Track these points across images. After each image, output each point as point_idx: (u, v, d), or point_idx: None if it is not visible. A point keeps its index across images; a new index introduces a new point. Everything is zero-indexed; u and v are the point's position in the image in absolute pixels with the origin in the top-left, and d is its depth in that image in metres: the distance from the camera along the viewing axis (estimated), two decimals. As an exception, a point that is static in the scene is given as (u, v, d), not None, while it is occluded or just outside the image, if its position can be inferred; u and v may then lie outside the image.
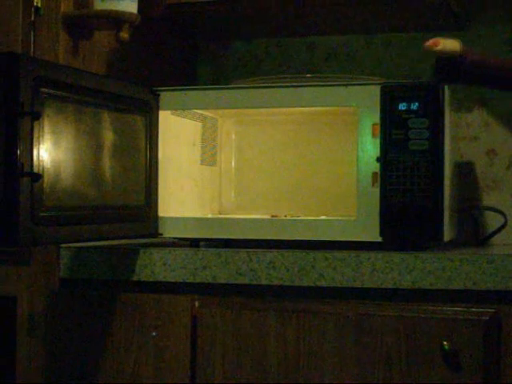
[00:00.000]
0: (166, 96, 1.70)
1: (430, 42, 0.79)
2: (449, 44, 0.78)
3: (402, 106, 1.56)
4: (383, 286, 1.51)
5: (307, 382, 1.53)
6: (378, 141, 1.58)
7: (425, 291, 1.49)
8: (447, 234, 1.62)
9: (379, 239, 1.58)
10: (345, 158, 1.85)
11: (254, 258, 1.56)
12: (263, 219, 1.73)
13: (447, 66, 0.80)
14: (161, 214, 1.69)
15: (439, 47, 0.79)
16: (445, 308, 1.49)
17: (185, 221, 1.70)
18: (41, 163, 1.33)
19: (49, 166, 1.36)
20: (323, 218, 1.77)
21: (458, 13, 1.99)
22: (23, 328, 1.67)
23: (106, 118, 1.53)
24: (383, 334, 1.49)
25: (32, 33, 1.68)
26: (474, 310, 1.47)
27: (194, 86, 1.84)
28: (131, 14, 1.73)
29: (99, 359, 1.64)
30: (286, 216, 1.84)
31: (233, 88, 1.72)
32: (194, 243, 1.71)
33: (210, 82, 2.27)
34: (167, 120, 1.73)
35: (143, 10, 1.79)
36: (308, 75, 1.84)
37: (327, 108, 1.73)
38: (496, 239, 1.95)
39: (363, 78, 1.73)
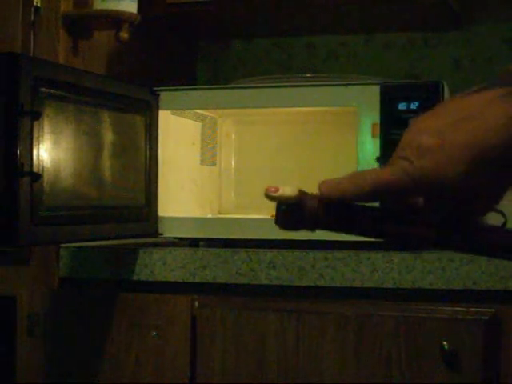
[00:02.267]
0: (165, 96, 1.70)
1: (269, 189, 0.81)
2: (287, 191, 0.81)
3: (402, 106, 1.56)
4: (383, 286, 1.51)
5: (307, 382, 1.53)
6: (377, 140, 1.58)
7: (425, 291, 1.49)
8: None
9: (379, 239, 1.57)
10: (345, 158, 1.85)
11: (253, 257, 1.56)
12: (263, 219, 1.73)
13: (287, 212, 0.81)
14: (161, 213, 1.69)
15: (277, 193, 0.81)
16: (445, 308, 1.49)
17: (185, 221, 1.70)
18: (41, 163, 1.33)
19: (49, 166, 1.36)
20: (323, 217, 1.77)
21: (457, 12, 2.00)
22: (23, 328, 1.67)
23: (106, 117, 1.53)
24: (383, 334, 1.49)
25: (32, 33, 1.68)
26: (473, 309, 1.47)
27: (193, 86, 1.84)
28: (131, 13, 1.73)
29: (99, 359, 1.64)
30: (285, 216, 1.84)
31: (233, 88, 1.72)
32: (193, 243, 1.71)
33: (210, 82, 2.27)
34: (167, 120, 1.73)
35: (143, 10, 1.79)
36: (308, 75, 1.84)
37: (327, 108, 1.73)
38: (496, 239, 1.95)
39: (363, 78, 1.73)
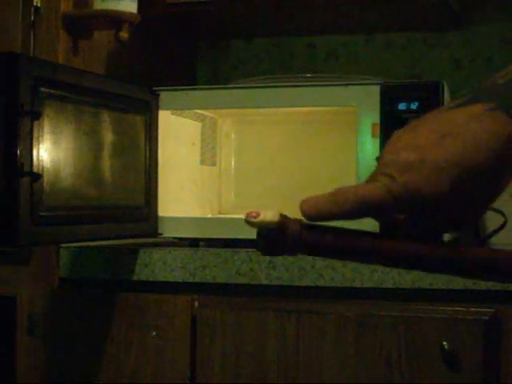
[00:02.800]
0: (165, 96, 1.70)
1: (249, 214, 0.80)
2: (268, 216, 0.79)
3: (402, 106, 1.56)
4: (383, 286, 1.51)
5: (307, 382, 1.53)
6: (377, 140, 1.58)
7: (425, 291, 1.49)
8: (447, 233, 1.62)
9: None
10: (345, 158, 1.85)
11: (253, 258, 1.56)
12: (263, 219, 1.73)
13: (268, 238, 0.80)
14: (161, 213, 1.69)
15: (258, 219, 0.79)
16: (445, 308, 1.49)
17: (184, 221, 1.70)
18: (41, 163, 1.33)
19: (48, 166, 1.36)
20: (323, 217, 1.77)
21: (457, 12, 2.00)
22: (23, 328, 1.67)
23: (106, 117, 1.53)
24: (383, 334, 1.49)
25: (32, 33, 1.68)
26: (473, 309, 1.47)
27: (193, 86, 1.84)
28: (131, 13, 1.73)
29: (99, 359, 1.64)
30: (285, 216, 1.84)
31: (233, 88, 1.72)
32: (193, 243, 1.71)
33: (210, 82, 2.27)
34: (167, 120, 1.73)
35: (143, 10, 1.79)
36: (308, 75, 1.84)
37: (327, 108, 1.73)
38: (496, 239, 1.95)
39: (363, 78, 1.73)
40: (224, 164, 1.99)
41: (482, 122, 0.77)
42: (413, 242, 0.80)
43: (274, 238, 0.79)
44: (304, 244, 0.79)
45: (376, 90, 1.58)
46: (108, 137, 1.53)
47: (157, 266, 1.61)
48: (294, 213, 1.86)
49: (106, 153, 1.52)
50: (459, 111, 0.79)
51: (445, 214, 0.80)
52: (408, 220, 0.81)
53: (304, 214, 0.80)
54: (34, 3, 1.68)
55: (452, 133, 0.77)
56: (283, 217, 0.80)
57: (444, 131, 0.78)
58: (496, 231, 2.05)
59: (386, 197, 0.77)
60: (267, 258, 1.55)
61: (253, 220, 0.78)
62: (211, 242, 1.73)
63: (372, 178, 0.80)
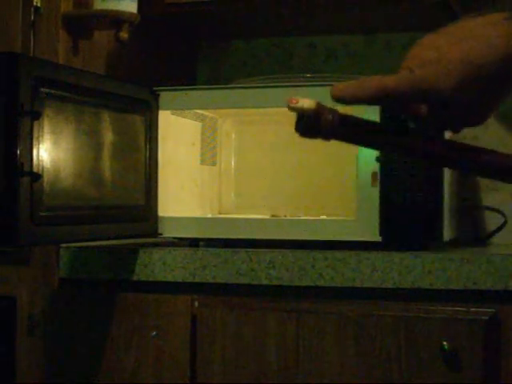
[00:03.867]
0: (166, 96, 1.70)
1: (290, 100, 0.91)
2: (306, 103, 0.91)
3: (402, 106, 1.55)
4: (383, 286, 1.51)
5: (307, 382, 1.53)
6: (377, 141, 1.57)
7: (425, 291, 1.49)
8: (447, 233, 1.62)
9: (379, 239, 1.58)
10: (345, 158, 1.85)
11: (253, 257, 1.56)
12: (263, 219, 1.73)
13: (305, 121, 0.92)
14: (161, 213, 1.69)
15: (297, 105, 0.91)
16: (445, 308, 1.49)
17: (184, 221, 1.70)
18: (41, 163, 1.33)
19: (48, 166, 1.36)
20: (323, 217, 1.77)
21: (457, 12, 1.99)
22: (23, 328, 1.67)
23: (106, 117, 1.53)
24: (383, 334, 1.49)
25: (32, 33, 1.68)
26: (473, 309, 1.47)
27: (193, 86, 1.84)
28: (131, 13, 1.73)
29: (99, 359, 1.64)
30: (285, 216, 1.84)
31: (233, 88, 1.72)
32: (193, 243, 1.71)
33: (210, 82, 2.27)
34: (167, 120, 1.73)
35: (143, 10, 1.79)
36: (308, 75, 1.84)
37: (327, 108, 1.73)
38: (496, 239, 1.95)
39: (363, 78, 1.72)
40: (224, 164, 1.99)
41: (497, 28, 0.87)
42: (425, 139, 0.91)
43: (309, 122, 0.91)
44: (335, 131, 0.91)
45: (376, 89, 1.57)
46: (108, 137, 1.53)
47: (157, 266, 1.61)
48: (295, 212, 1.85)
49: (106, 153, 1.52)
50: (479, 19, 0.89)
51: (454, 110, 0.89)
52: (429, 115, 0.90)
53: (333, 95, 0.92)
54: (34, 3, 1.68)
55: (469, 36, 0.87)
56: (319, 105, 0.92)
57: (462, 35, 0.88)
58: (496, 231, 2.05)
59: (405, 86, 0.88)
60: (267, 257, 1.55)
61: (293, 105, 0.90)
62: (211, 242, 1.73)
63: (398, 72, 0.90)
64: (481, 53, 0.86)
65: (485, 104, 0.90)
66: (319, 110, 0.91)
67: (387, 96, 0.90)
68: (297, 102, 0.91)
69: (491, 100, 0.90)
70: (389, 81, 0.90)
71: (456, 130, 0.94)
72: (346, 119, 0.92)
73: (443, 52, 0.87)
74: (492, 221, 1.99)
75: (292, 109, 0.91)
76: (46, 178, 1.35)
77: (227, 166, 1.99)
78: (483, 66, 0.86)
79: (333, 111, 0.92)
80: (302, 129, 0.92)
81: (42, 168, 1.34)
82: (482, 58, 0.86)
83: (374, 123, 0.94)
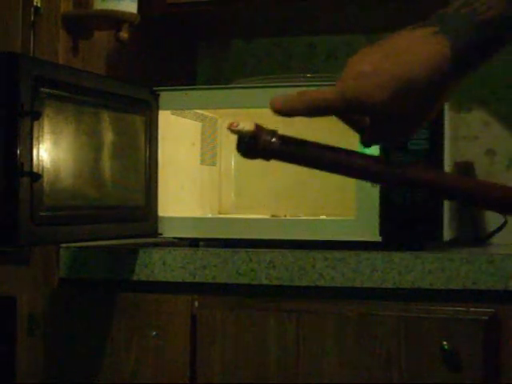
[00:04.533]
0: (166, 96, 1.70)
1: (231, 124, 0.97)
2: (246, 126, 0.96)
3: (402, 106, 1.55)
4: (383, 286, 1.51)
5: (307, 382, 1.53)
6: (377, 141, 1.57)
7: (425, 291, 1.49)
8: (447, 233, 1.62)
9: (379, 239, 1.58)
10: (345, 158, 1.85)
11: (253, 257, 1.56)
12: (263, 219, 1.73)
13: (245, 143, 0.97)
14: (161, 213, 1.69)
15: (237, 128, 0.96)
16: (445, 308, 1.49)
17: (184, 221, 1.70)
18: (41, 163, 1.33)
19: (48, 166, 1.36)
20: (323, 217, 1.77)
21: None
22: (23, 328, 1.67)
23: (106, 117, 1.53)
24: (383, 334, 1.49)
25: (32, 33, 1.68)
26: (473, 309, 1.47)
27: (193, 86, 1.84)
28: (131, 13, 1.73)
29: (99, 359, 1.64)
30: (285, 216, 1.84)
31: (233, 88, 1.72)
32: (193, 243, 1.71)
33: (210, 82, 2.27)
34: (167, 120, 1.73)
35: (143, 10, 1.79)
36: (308, 75, 1.84)
37: (327, 108, 1.73)
38: (496, 239, 1.95)
39: (363, 78, 1.72)
40: (224, 164, 1.99)
41: (426, 43, 0.90)
42: (361, 157, 0.95)
43: (250, 143, 0.96)
44: (273, 151, 0.96)
45: (376, 89, 1.57)
46: (108, 137, 1.53)
47: (157, 265, 1.61)
48: (295, 212, 1.86)
49: (106, 153, 1.52)
50: (411, 33, 0.92)
51: (384, 122, 0.93)
52: (370, 127, 0.95)
53: (271, 108, 0.97)
54: (34, 3, 1.68)
55: (401, 50, 0.91)
56: (258, 127, 0.97)
57: (395, 49, 0.91)
58: (496, 231, 2.06)
59: (338, 98, 0.92)
60: (267, 257, 1.55)
61: (233, 128, 0.95)
62: (211, 242, 1.73)
63: (335, 84, 0.94)
64: (411, 67, 0.89)
65: (419, 115, 0.93)
66: (257, 131, 0.96)
67: (324, 108, 0.93)
68: (237, 125, 0.95)
69: (424, 112, 0.93)
70: (325, 94, 0.93)
71: (399, 141, 0.98)
72: (284, 140, 0.97)
73: (376, 66, 0.90)
74: (492, 221, 1.99)
75: (232, 132, 0.95)
76: (45, 178, 1.35)
77: (227, 166, 1.99)
78: (414, 80, 0.89)
79: (271, 132, 0.97)
80: (243, 150, 0.96)
81: (42, 168, 1.34)
82: (412, 73, 0.89)
83: (313, 143, 0.97)
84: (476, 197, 0.95)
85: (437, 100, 0.93)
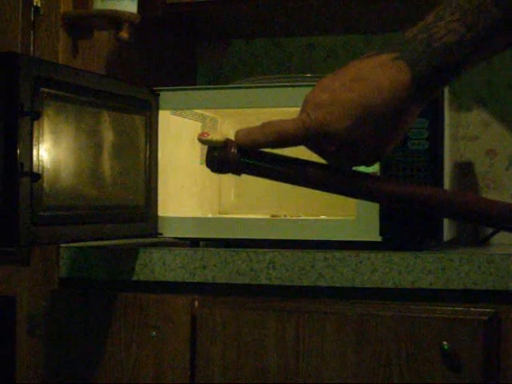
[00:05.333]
0: (165, 96, 1.70)
1: (201, 133, 0.96)
2: (216, 137, 0.96)
3: (402, 106, 1.55)
4: (383, 286, 1.51)
5: (307, 382, 1.53)
6: (377, 141, 1.57)
7: (425, 291, 1.49)
8: (447, 233, 1.62)
9: (379, 239, 1.58)
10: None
11: (253, 257, 1.56)
12: (263, 219, 1.73)
13: (214, 155, 0.96)
14: (161, 213, 1.69)
15: (207, 138, 0.96)
16: (444, 308, 1.49)
17: (185, 221, 1.70)
18: (41, 163, 1.33)
19: (48, 166, 1.36)
20: (323, 217, 1.77)
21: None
22: (23, 328, 1.67)
23: (106, 117, 1.53)
24: (383, 334, 1.49)
25: (32, 33, 1.68)
26: (473, 309, 1.47)
27: (193, 86, 1.84)
28: (131, 13, 1.73)
29: (99, 359, 1.64)
30: (285, 216, 1.84)
31: (233, 88, 1.72)
32: (193, 243, 1.71)
33: (210, 82, 2.27)
34: (167, 120, 1.73)
35: (143, 10, 1.79)
36: (308, 75, 1.84)
37: (327, 108, 1.73)
38: (496, 239, 1.95)
39: (363, 78, 1.72)
40: (224, 164, 1.98)
41: (386, 69, 0.90)
42: (325, 170, 0.96)
43: (218, 156, 0.95)
44: (241, 164, 0.95)
45: (376, 89, 1.57)
46: (108, 137, 1.53)
47: (157, 265, 1.61)
48: (295, 212, 1.86)
49: (106, 153, 1.52)
50: (370, 59, 0.92)
51: (349, 150, 0.93)
52: (337, 152, 0.94)
53: (237, 141, 0.95)
54: (34, 3, 1.68)
55: (361, 78, 0.91)
56: (228, 140, 0.95)
57: (355, 76, 0.92)
58: (496, 231, 2.05)
59: (301, 129, 0.92)
60: (267, 257, 1.55)
61: (203, 138, 0.95)
62: (211, 242, 1.73)
63: (297, 116, 0.94)
64: (371, 94, 0.90)
65: (383, 140, 0.93)
66: (227, 143, 0.95)
67: (287, 141, 0.94)
68: (207, 136, 0.95)
69: (388, 137, 0.93)
70: (286, 125, 0.93)
71: (367, 165, 0.97)
72: (253, 153, 0.95)
73: (336, 94, 0.91)
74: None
75: (202, 142, 0.95)
76: (46, 178, 1.35)
77: (227, 166, 1.98)
78: (374, 107, 0.90)
79: (243, 144, 0.95)
80: (211, 162, 0.95)
81: (42, 168, 1.34)
82: (372, 100, 0.90)
83: (283, 157, 0.97)
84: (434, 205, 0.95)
85: (400, 124, 0.93)
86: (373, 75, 0.90)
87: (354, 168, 0.96)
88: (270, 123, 0.94)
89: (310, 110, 0.92)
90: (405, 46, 0.91)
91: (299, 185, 0.98)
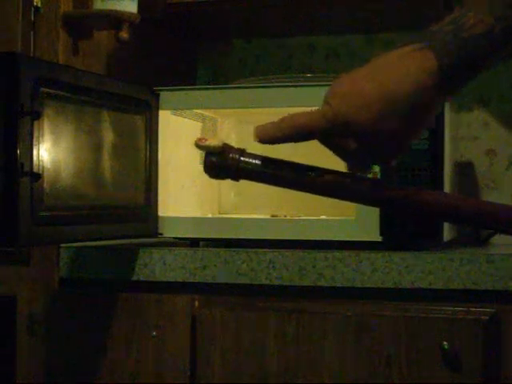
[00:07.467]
0: (166, 96, 1.70)
1: (199, 139, 0.95)
2: (214, 142, 0.94)
3: (402, 106, 1.55)
4: (383, 286, 1.51)
5: (307, 382, 1.53)
6: (377, 141, 1.57)
7: (425, 291, 1.49)
8: (447, 233, 1.62)
9: (379, 239, 1.58)
10: (345, 158, 1.85)
11: (253, 257, 1.56)
12: (263, 219, 1.73)
13: (213, 161, 0.94)
14: (161, 213, 1.69)
15: (205, 143, 0.94)
16: (445, 308, 1.49)
17: (185, 221, 1.70)
18: (41, 163, 1.33)
19: (49, 166, 1.36)
20: (323, 217, 1.77)
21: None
22: (23, 328, 1.67)
23: (106, 117, 1.53)
24: (383, 334, 1.49)
25: (32, 33, 1.68)
26: (473, 309, 1.47)
27: (193, 86, 1.84)
28: (131, 13, 1.73)
29: (99, 359, 1.64)
30: (285, 216, 1.84)
31: (233, 88, 1.72)
32: (193, 243, 1.71)
33: (210, 82, 2.27)
34: (167, 120, 1.73)
35: (143, 10, 1.79)
36: (308, 75, 1.84)
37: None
38: (496, 239, 1.95)
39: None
40: (224, 164, 1.98)
41: (412, 58, 0.89)
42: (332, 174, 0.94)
43: (217, 162, 0.93)
44: (240, 170, 0.93)
45: (376, 89, 1.57)
46: (108, 137, 1.53)
47: (157, 265, 1.61)
48: (295, 212, 1.85)
49: (106, 153, 1.52)
50: (397, 50, 0.91)
51: (371, 143, 0.90)
52: (356, 150, 0.92)
53: (255, 137, 0.93)
54: (34, 3, 1.68)
55: (384, 68, 0.90)
56: (226, 145, 0.93)
57: (378, 67, 0.90)
58: (496, 231, 2.05)
59: (321, 120, 0.90)
60: (267, 257, 1.55)
61: (201, 144, 0.93)
62: (211, 242, 1.73)
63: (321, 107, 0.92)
64: (396, 83, 0.88)
65: (405, 133, 0.91)
66: (225, 148, 0.93)
67: (307, 133, 0.92)
68: (205, 141, 0.93)
69: (410, 129, 0.91)
70: (306, 118, 0.92)
71: (387, 162, 0.95)
72: (251, 158, 0.94)
73: (357, 85, 0.90)
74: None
75: (199, 147, 0.93)
76: (46, 178, 1.35)
77: (227, 166, 1.98)
78: (399, 96, 0.88)
79: (240, 151, 0.94)
80: (209, 168, 0.94)
81: (42, 168, 1.34)
82: (397, 88, 0.88)
83: (282, 162, 0.95)
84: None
85: (423, 115, 0.91)
86: (398, 64, 0.89)
87: (372, 166, 0.95)
88: (287, 117, 0.93)
89: (331, 101, 0.90)
90: (433, 36, 0.91)
91: (298, 190, 0.97)
